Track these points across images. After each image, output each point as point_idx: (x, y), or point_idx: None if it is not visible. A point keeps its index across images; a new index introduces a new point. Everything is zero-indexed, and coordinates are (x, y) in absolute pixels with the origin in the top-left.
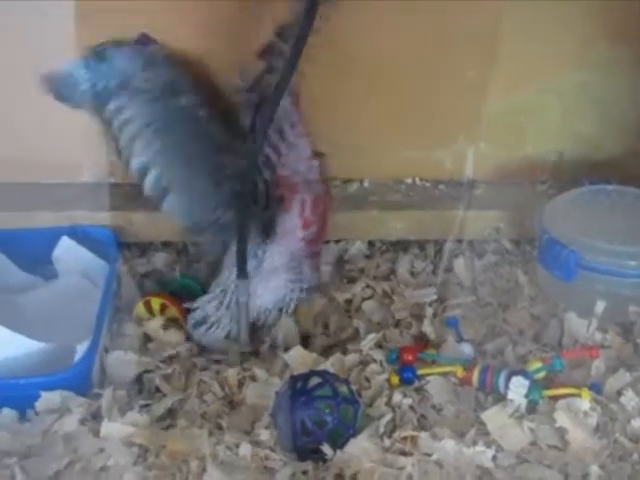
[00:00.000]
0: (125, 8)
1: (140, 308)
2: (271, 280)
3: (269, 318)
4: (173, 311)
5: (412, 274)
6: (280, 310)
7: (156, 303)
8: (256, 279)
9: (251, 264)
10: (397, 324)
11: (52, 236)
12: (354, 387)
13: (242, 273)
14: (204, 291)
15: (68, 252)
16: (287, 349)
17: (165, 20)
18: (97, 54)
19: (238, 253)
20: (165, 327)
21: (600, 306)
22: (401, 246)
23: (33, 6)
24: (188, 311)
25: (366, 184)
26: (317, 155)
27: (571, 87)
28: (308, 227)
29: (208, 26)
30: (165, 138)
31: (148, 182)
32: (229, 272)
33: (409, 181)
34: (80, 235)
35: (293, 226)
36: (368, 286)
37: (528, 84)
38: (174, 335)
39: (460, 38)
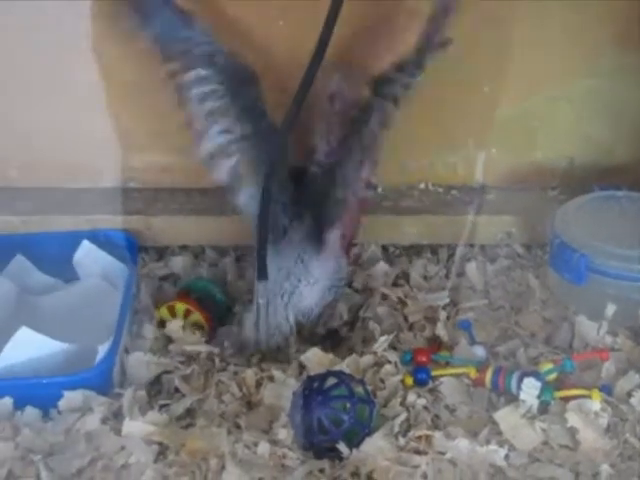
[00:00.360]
0: None
1: (164, 311)
2: (317, 283)
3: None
4: (197, 316)
5: (425, 278)
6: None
7: (180, 309)
8: (303, 283)
9: (298, 268)
10: (411, 327)
11: (73, 240)
12: (369, 387)
13: (262, 275)
14: (223, 294)
15: (88, 255)
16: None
17: None
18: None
19: (258, 255)
20: (185, 328)
21: (610, 309)
22: (414, 250)
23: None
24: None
25: (380, 189)
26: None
27: (581, 93)
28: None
29: None
30: (246, 127)
31: (226, 168)
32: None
33: (422, 186)
34: (101, 239)
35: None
36: (382, 290)
37: (539, 91)
38: (194, 336)
39: (472, 45)
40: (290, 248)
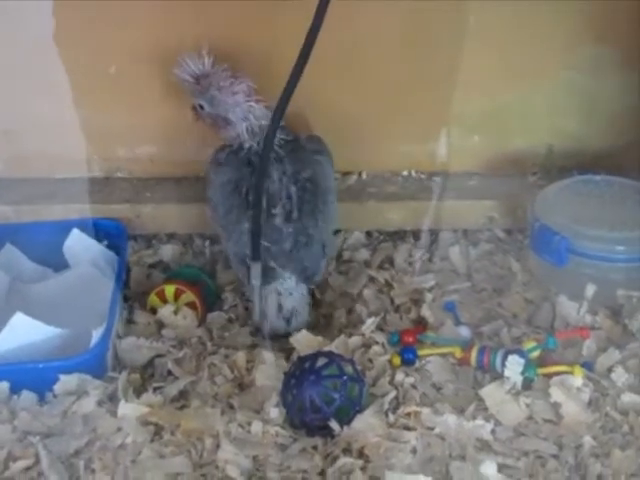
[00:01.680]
0: None
1: (153, 299)
2: None
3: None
4: (189, 295)
5: (409, 263)
6: None
7: (170, 290)
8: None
9: None
10: (397, 309)
11: (63, 229)
12: (359, 367)
13: (256, 256)
14: (212, 280)
15: (78, 244)
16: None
17: None
18: None
19: (252, 237)
20: (177, 312)
21: (590, 290)
22: (398, 236)
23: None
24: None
25: (364, 176)
26: None
27: (559, 84)
28: None
29: None
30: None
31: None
32: None
33: (405, 173)
34: (90, 227)
35: None
36: (368, 274)
37: (520, 81)
38: (185, 320)
39: (454, 34)
40: None
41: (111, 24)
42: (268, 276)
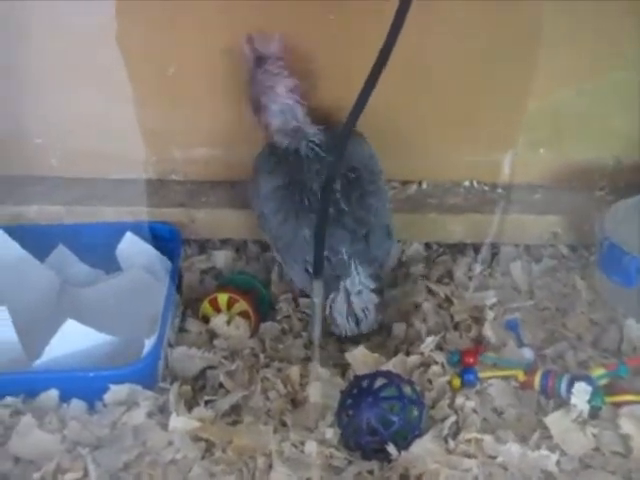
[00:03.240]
0: None
1: (206, 307)
2: None
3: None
4: (242, 304)
5: (469, 277)
6: None
7: (223, 299)
8: None
9: None
10: (456, 326)
11: (116, 231)
12: (417, 388)
13: (318, 273)
14: (265, 288)
15: (132, 247)
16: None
17: None
18: None
19: (315, 254)
20: (230, 323)
21: None
22: (457, 249)
23: None
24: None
25: (424, 186)
26: None
27: (628, 95)
28: None
29: None
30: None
31: None
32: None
33: (467, 184)
34: (144, 231)
35: None
36: (427, 288)
37: (587, 91)
38: (238, 331)
39: (520, 45)
40: None
41: (171, 25)
42: (336, 272)
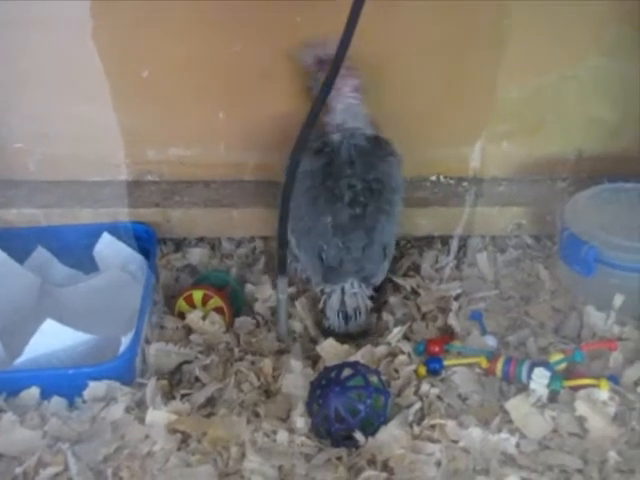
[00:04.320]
0: None
1: (182, 304)
2: None
3: None
4: (217, 300)
5: (436, 270)
6: None
7: (198, 296)
8: None
9: None
10: (423, 317)
11: (93, 232)
12: (384, 378)
13: (282, 270)
14: (238, 283)
15: (109, 248)
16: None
17: None
18: None
19: (279, 252)
20: (205, 318)
21: (618, 300)
22: (425, 242)
23: None
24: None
25: None
26: None
27: (589, 89)
28: None
29: None
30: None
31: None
32: None
33: (434, 178)
34: (121, 231)
35: None
36: (393, 281)
37: (548, 85)
38: (213, 326)
39: (479, 36)
40: None
41: (144, 28)
42: (331, 276)
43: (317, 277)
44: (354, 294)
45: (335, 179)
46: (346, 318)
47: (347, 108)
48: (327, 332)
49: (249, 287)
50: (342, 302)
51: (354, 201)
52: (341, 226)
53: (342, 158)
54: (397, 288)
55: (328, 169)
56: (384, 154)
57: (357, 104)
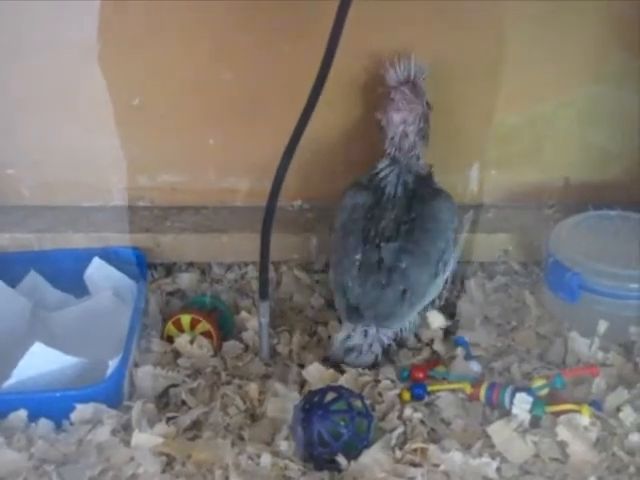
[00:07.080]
0: None
1: (170, 328)
2: None
3: None
4: (204, 325)
5: None
6: None
7: (186, 320)
8: None
9: None
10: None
11: (85, 257)
12: (368, 402)
13: (263, 295)
14: (228, 309)
15: (99, 272)
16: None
17: None
18: None
19: (260, 278)
20: (193, 342)
21: (602, 326)
22: None
23: None
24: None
25: None
26: None
27: (576, 117)
28: None
29: None
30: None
31: None
32: None
33: None
34: (111, 256)
35: None
36: None
37: (537, 113)
38: (201, 350)
39: (467, 65)
40: None
41: (136, 56)
42: (353, 315)
43: (342, 314)
44: (364, 331)
45: (371, 217)
46: (359, 354)
47: (404, 138)
48: (326, 359)
49: (238, 311)
50: (348, 335)
51: (379, 240)
52: (365, 265)
53: (385, 195)
54: None
55: (368, 206)
56: (428, 194)
57: (418, 136)
